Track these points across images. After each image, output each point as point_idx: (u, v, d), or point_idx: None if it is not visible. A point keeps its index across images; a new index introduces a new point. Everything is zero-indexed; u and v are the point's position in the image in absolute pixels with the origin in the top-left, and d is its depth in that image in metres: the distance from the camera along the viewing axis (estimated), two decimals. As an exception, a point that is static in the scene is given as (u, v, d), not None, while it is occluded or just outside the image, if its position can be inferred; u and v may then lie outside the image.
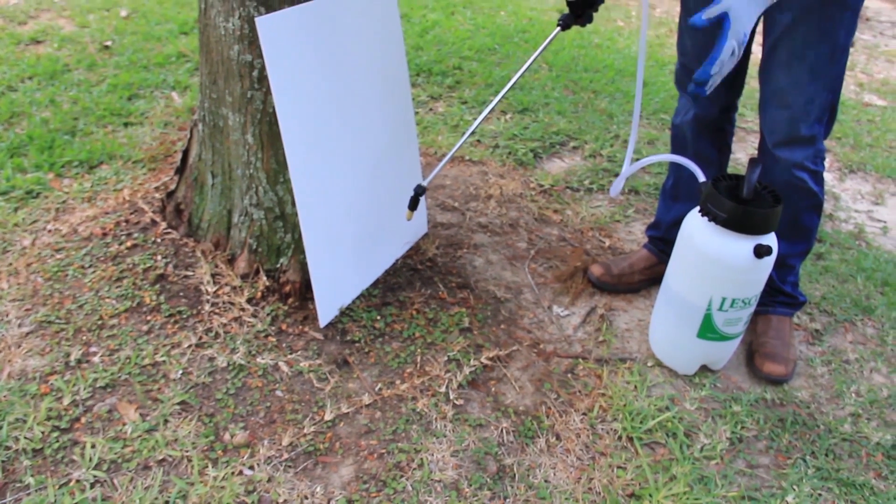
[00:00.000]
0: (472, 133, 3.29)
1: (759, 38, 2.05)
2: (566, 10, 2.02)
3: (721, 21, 1.56)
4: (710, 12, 1.55)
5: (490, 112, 2.04)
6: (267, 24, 1.78)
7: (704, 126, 2.30)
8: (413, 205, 2.04)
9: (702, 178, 2.02)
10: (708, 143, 2.31)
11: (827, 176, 3.44)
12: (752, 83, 3.29)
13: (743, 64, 2.21)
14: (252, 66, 2.01)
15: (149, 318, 2.12)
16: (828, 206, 3.17)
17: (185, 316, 2.14)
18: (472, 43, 4.33)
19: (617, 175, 2.97)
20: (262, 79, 2.00)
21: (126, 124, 3.13)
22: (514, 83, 2.05)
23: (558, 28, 2.02)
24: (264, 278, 2.21)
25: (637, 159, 2.12)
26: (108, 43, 3.83)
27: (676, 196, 2.45)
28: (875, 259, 2.83)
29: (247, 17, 1.95)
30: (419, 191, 2.03)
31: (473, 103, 3.61)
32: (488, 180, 3.01)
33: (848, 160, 3.61)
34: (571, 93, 3.89)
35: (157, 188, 2.64)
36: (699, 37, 2.13)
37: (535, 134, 3.38)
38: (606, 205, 2.96)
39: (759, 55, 2.06)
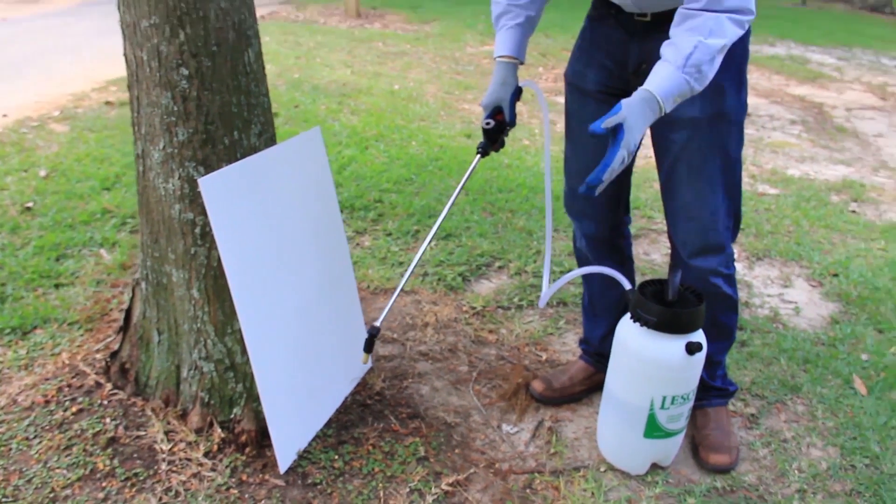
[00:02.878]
0: (403, 264, 3.41)
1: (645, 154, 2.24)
2: (480, 138, 2.16)
3: (616, 131, 1.73)
4: (608, 121, 1.72)
5: (426, 243, 2.13)
6: (209, 184, 1.88)
7: (600, 245, 2.44)
8: (368, 347, 2.02)
9: (627, 285, 2.15)
10: (608, 259, 2.40)
11: (737, 265, 3.66)
12: (655, 185, 3.51)
13: (626, 182, 2.36)
14: (194, 223, 2.07)
15: (104, 484, 2.08)
16: (742, 294, 3.36)
17: (141, 478, 2.11)
18: (389, 175, 4.49)
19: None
20: (205, 234, 2.07)
21: (57, 286, 3.11)
22: (446, 215, 2.16)
23: (478, 156, 2.16)
24: (219, 430, 2.21)
25: (564, 272, 2.24)
26: (30, 204, 3.83)
27: (595, 312, 2.57)
28: (794, 339, 3.01)
29: (186, 177, 2.03)
30: (373, 332, 2.01)
31: (398, 234, 3.73)
32: (423, 308, 3.10)
33: (754, 248, 3.86)
34: (490, 214, 4.06)
35: (97, 350, 2.63)
36: (584, 159, 2.26)
37: (460, 258, 3.51)
38: (538, 319, 3.08)
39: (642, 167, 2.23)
